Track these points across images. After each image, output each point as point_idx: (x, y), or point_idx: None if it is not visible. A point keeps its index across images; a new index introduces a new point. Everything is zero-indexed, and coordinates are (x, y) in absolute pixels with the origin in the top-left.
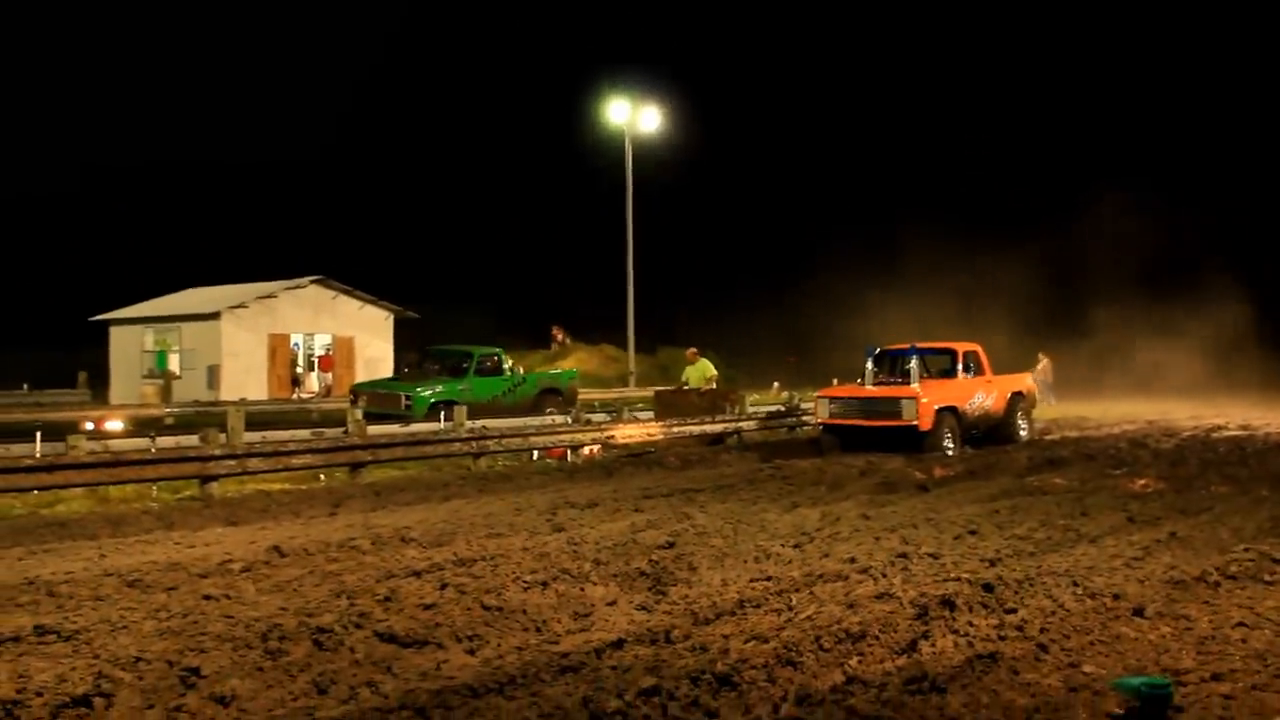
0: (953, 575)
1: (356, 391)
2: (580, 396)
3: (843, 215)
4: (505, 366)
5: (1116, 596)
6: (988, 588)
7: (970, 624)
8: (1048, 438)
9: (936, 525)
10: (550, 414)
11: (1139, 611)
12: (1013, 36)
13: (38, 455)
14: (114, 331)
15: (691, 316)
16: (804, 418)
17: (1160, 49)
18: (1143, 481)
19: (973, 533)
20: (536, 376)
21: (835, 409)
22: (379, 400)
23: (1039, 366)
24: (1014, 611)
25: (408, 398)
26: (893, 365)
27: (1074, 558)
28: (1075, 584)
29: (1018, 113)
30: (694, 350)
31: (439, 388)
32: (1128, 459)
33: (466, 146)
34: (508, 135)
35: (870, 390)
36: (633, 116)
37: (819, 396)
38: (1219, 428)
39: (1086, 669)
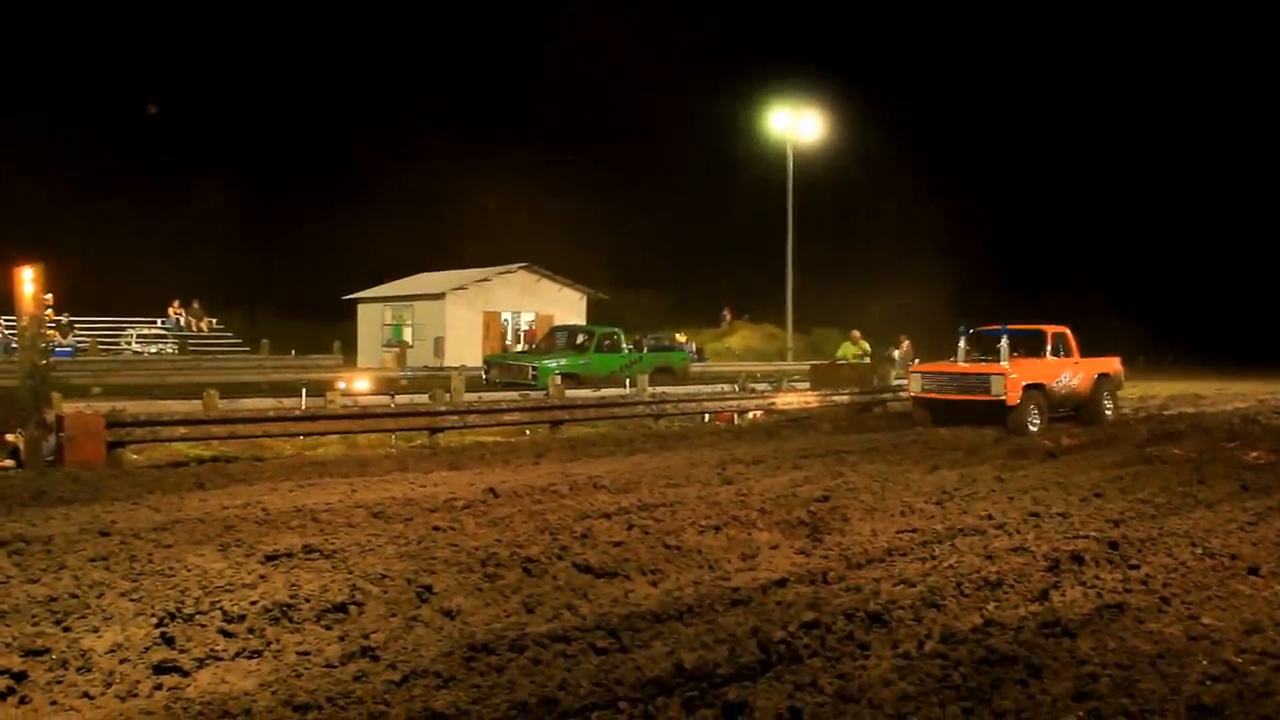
0: (1081, 533)
1: (488, 363)
2: (743, 369)
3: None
4: (623, 345)
5: (1233, 556)
6: (1113, 545)
7: (1097, 577)
8: (1165, 413)
9: (1065, 488)
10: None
11: (1254, 570)
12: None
13: (303, 408)
14: (361, 308)
15: (843, 300)
16: None
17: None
18: (1255, 453)
19: (1098, 496)
20: (652, 356)
21: (927, 383)
22: (508, 371)
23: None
24: (1137, 567)
25: (534, 369)
26: (984, 344)
27: (1192, 520)
28: (1194, 544)
29: None
30: (858, 333)
31: (563, 361)
32: (1240, 433)
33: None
34: (689, 135)
35: (961, 366)
36: (793, 125)
37: (912, 371)
38: None
39: (1206, 621)
